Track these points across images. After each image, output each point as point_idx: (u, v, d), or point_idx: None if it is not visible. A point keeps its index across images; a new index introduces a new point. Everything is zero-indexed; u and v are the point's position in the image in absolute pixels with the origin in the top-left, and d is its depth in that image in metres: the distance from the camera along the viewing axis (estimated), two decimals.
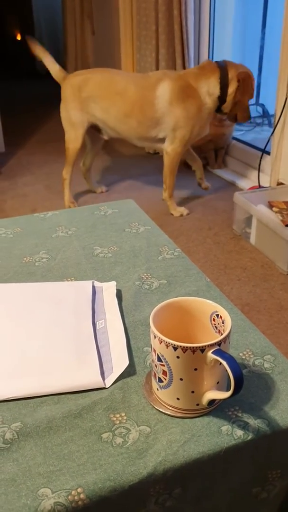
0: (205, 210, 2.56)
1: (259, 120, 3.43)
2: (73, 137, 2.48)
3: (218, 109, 2.36)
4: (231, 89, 2.29)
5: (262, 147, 2.58)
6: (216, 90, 2.29)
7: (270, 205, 2.18)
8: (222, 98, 2.31)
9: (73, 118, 2.45)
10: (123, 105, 2.35)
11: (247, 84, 2.30)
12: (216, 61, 2.32)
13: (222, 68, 2.29)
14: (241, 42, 3.34)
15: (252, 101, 3.46)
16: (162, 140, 2.42)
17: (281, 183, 2.46)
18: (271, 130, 2.48)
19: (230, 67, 2.29)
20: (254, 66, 3.40)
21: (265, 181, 2.55)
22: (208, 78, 2.28)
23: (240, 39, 3.32)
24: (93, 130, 2.54)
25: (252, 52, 3.37)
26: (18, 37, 6.06)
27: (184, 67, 3.00)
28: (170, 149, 2.39)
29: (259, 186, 2.50)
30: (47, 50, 2.58)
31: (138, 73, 2.49)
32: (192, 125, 2.33)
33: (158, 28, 3.00)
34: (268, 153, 2.55)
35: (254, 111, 3.47)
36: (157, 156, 3.30)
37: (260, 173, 2.55)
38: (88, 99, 2.40)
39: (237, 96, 2.30)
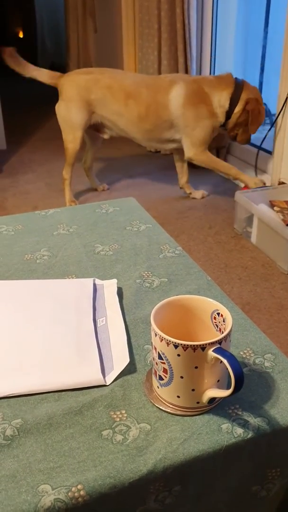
0: (206, 209, 2.56)
1: None
2: (72, 138, 2.45)
3: (223, 124, 2.39)
4: (238, 109, 2.32)
5: (265, 146, 2.57)
6: (226, 104, 2.31)
7: (271, 204, 2.18)
8: (228, 114, 2.34)
9: (73, 118, 2.41)
10: (137, 108, 2.33)
11: (255, 112, 2.32)
12: (235, 77, 2.34)
13: (238, 85, 2.31)
14: (243, 41, 3.33)
15: None
16: (177, 140, 2.42)
17: (283, 183, 2.46)
18: (273, 129, 2.48)
19: (245, 88, 2.32)
20: (256, 65, 3.40)
21: (266, 180, 2.55)
22: (222, 90, 2.31)
23: (243, 38, 3.31)
24: (92, 129, 2.53)
25: (255, 51, 3.36)
26: (21, 35, 6.06)
27: (186, 66, 3.00)
28: (192, 155, 2.40)
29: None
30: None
31: (149, 76, 2.49)
32: (206, 125, 2.34)
33: (161, 27, 2.99)
34: (265, 151, 2.55)
35: None
36: (158, 155, 3.30)
37: (263, 173, 2.54)
38: (98, 101, 2.36)
39: (241, 117, 2.33)
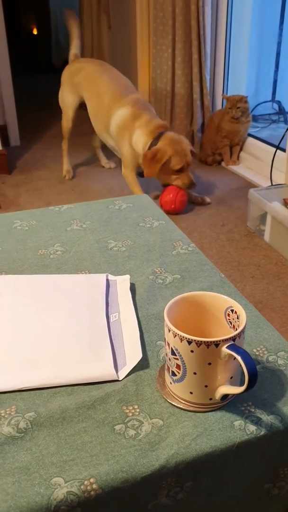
0: (219, 206, 2.55)
1: (275, 117, 3.40)
2: (65, 116, 2.80)
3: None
4: (140, 160, 2.40)
5: (278, 144, 2.55)
6: (140, 148, 2.37)
7: (285, 202, 2.16)
8: None
9: (66, 99, 2.75)
10: (96, 106, 2.55)
11: (146, 158, 2.33)
12: (164, 131, 2.34)
13: (159, 136, 2.33)
14: (258, 38, 3.31)
15: (268, 97, 3.45)
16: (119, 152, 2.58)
17: None
18: (287, 127, 2.46)
19: (162, 139, 2.33)
20: (271, 62, 3.38)
21: (280, 178, 2.54)
22: (145, 135, 2.35)
23: (258, 35, 3.29)
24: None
25: (270, 48, 3.34)
26: (35, 32, 6.08)
27: (200, 62, 2.99)
28: (123, 172, 2.54)
29: (271, 184, 2.48)
30: (66, 44, 2.74)
31: (120, 87, 2.54)
32: (129, 152, 2.44)
33: (175, 23, 2.98)
34: (283, 150, 2.53)
35: (270, 108, 3.45)
36: None
37: (276, 171, 2.53)
38: (79, 85, 2.65)
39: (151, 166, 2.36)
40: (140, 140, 2.38)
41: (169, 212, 2.40)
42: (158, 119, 2.43)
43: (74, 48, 2.79)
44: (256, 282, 1.93)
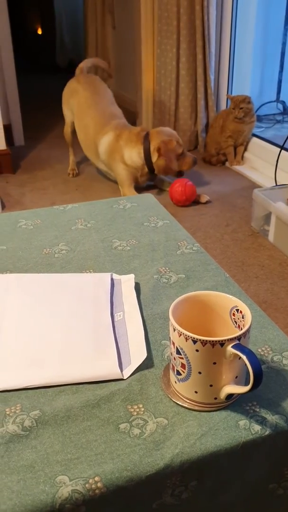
0: (223, 206, 2.55)
1: (279, 117, 3.39)
2: (66, 126, 2.96)
3: (153, 171, 2.58)
4: (154, 159, 2.51)
5: (282, 144, 2.55)
6: (138, 160, 2.53)
7: None
8: (150, 165, 2.54)
9: (65, 113, 2.92)
10: (84, 137, 2.73)
11: (168, 154, 2.47)
12: (146, 132, 2.53)
13: (146, 139, 2.51)
14: (263, 38, 3.31)
15: (273, 98, 3.44)
16: (112, 176, 2.70)
17: None
18: None
19: (152, 138, 2.51)
20: (276, 62, 3.37)
21: (284, 178, 2.53)
22: (132, 148, 2.53)
23: (263, 35, 3.28)
24: None
25: (274, 48, 3.33)
26: (39, 31, 6.08)
27: (204, 62, 2.99)
28: (122, 193, 2.61)
29: (276, 184, 2.48)
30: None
31: (108, 113, 2.71)
32: (123, 169, 2.57)
33: (180, 23, 2.98)
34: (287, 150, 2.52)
35: (275, 108, 3.44)
36: None
37: (280, 171, 2.52)
38: (72, 107, 2.82)
39: (161, 162, 2.49)
40: (133, 153, 2.53)
41: (180, 203, 2.52)
42: (135, 127, 2.62)
43: (84, 63, 2.95)
44: (260, 282, 1.92)
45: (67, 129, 2.96)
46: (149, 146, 2.51)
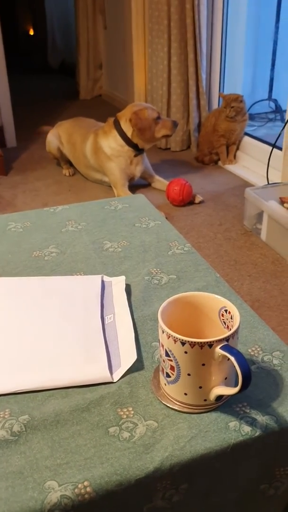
0: (216, 205, 2.55)
1: (271, 116, 3.40)
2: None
3: (140, 149, 2.59)
4: (129, 133, 2.52)
5: (274, 142, 2.55)
6: (116, 146, 2.55)
7: (282, 201, 2.16)
8: (131, 143, 2.54)
9: (49, 139, 2.95)
10: (73, 153, 2.83)
11: (141, 123, 2.48)
12: (113, 119, 2.58)
13: (116, 122, 2.55)
14: (254, 37, 3.31)
15: (265, 96, 3.45)
16: (107, 182, 2.71)
17: None
18: (283, 125, 2.46)
19: (120, 118, 2.55)
20: (267, 60, 3.37)
21: (276, 177, 2.53)
22: (107, 138, 2.57)
23: (253, 33, 3.29)
24: None
25: (266, 46, 3.33)
26: (31, 32, 6.07)
27: (196, 62, 2.98)
28: (116, 194, 2.60)
29: (268, 182, 2.48)
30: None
31: (91, 126, 2.80)
32: (112, 168, 2.60)
33: (170, 23, 2.98)
34: (280, 148, 2.53)
35: (267, 106, 3.45)
36: (168, 151, 3.29)
37: (272, 169, 2.53)
38: (59, 135, 2.90)
39: (138, 132, 2.50)
40: (109, 141, 2.57)
41: (175, 202, 2.54)
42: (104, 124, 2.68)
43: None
44: (253, 280, 1.92)
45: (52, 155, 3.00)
46: (120, 126, 2.53)
